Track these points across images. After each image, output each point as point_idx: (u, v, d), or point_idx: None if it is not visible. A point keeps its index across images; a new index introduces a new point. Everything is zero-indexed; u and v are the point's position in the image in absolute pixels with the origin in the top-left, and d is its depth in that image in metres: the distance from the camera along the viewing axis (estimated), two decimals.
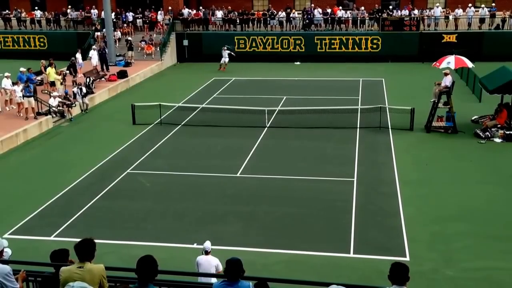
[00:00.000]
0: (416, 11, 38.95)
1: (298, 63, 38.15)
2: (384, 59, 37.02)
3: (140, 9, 42.41)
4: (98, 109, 27.13)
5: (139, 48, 38.20)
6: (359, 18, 39.08)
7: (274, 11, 40.70)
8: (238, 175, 17.67)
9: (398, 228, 13.73)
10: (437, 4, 39.23)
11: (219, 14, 40.74)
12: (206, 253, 10.15)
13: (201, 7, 42.11)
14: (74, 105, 25.27)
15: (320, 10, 40.16)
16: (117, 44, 38.22)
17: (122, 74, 32.04)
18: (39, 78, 28.67)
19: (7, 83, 24.30)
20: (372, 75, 33.12)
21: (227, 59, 35.95)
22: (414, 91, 27.97)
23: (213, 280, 8.70)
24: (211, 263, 9.97)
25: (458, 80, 28.10)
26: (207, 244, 10.21)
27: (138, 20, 41.66)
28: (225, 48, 36.26)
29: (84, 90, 26.28)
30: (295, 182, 16.97)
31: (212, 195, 16.11)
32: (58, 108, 24.27)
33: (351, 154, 19.23)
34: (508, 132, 20.40)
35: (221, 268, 9.81)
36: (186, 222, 14.42)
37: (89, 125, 24.16)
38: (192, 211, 15.05)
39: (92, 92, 27.95)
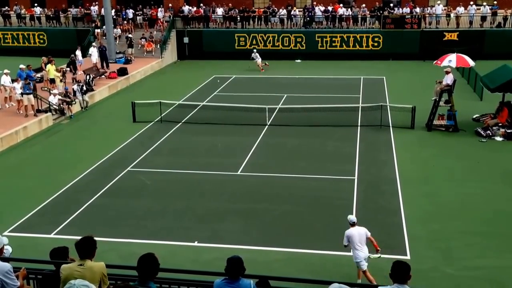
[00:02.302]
0: (417, 9, 38.87)
1: (299, 61, 38.10)
2: (385, 57, 36.97)
3: (140, 6, 42.32)
4: (98, 106, 27.09)
5: (139, 46, 38.14)
6: (360, 16, 39.00)
7: (275, 8, 40.65)
8: (238, 173, 17.64)
9: (399, 226, 13.71)
10: (439, 2, 39.13)
11: (220, 11, 40.66)
12: (353, 224, 10.80)
13: (201, 4, 42.06)
14: (74, 102, 25.23)
15: (321, 7, 40.11)
16: (117, 41, 38.13)
17: (122, 72, 31.98)
18: (38, 75, 28.59)
19: (6, 80, 24.23)
20: (373, 73, 33.07)
21: (259, 59, 35.34)
22: (415, 90, 27.92)
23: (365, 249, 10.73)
24: (361, 233, 10.78)
25: (459, 79, 28.05)
26: (353, 217, 11.00)
27: (138, 17, 41.57)
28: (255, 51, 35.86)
29: (84, 87, 26.23)
30: (296, 180, 16.92)
31: (212, 193, 16.07)
32: (58, 105, 24.23)
33: (352, 152, 19.19)
34: (509, 131, 20.35)
35: (369, 233, 10.87)
36: (187, 220, 14.39)
37: (89, 123, 24.12)
38: (192, 209, 15.02)
39: (92, 90, 27.90)
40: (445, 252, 12.50)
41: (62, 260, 6.70)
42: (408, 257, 12.11)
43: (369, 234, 10.98)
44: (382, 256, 12.04)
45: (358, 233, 10.80)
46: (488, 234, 13.29)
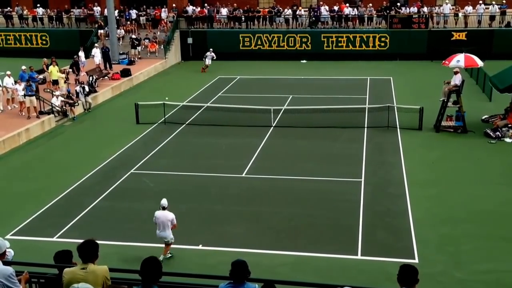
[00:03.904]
0: (425, 9, 38.54)
1: (304, 61, 37.89)
2: (392, 57, 36.71)
3: (144, 6, 42.20)
4: (101, 108, 26.96)
5: (143, 46, 38.02)
6: (366, 16, 38.75)
7: (280, 8, 40.46)
8: (243, 175, 17.46)
9: (407, 229, 13.53)
10: (446, 1, 38.83)
11: (224, 11, 40.51)
12: (163, 208, 12.10)
13: (205, 5, 41.91)
14: (76, 104, 25.08)
15: (327, 7, 39.89)
16: (120, 42, 38.05)
17: (126, 73, 31.83)
18: (41, 76, 28.51)
19: (8, 81, 24.12)
20: (380, 74, 32.84)
21: (209, 61, 35.12)
22: (423, 90, 27.69)
23: (169, 232, 12.04)
24: (167, 217, 12.02)
25: (468, 79, 27.84)
26: (164, 201, 12.21)
27: (141, 18, 41.42)
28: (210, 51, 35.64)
29: (87, 88, 26.06)
30: (302, 182, 16.75)
31: (217, 195, 15.91)
32: (61, 107, 24.09)
33: (359, 154, 18.98)
34: None
35: (175, 221, 12.10)
36: (190, 222, 14.18)
37: (92, 124, 23.99)
38: (196, 211, 14.86)
39: (95, 91, 27.76)
40: (454, 255, 12.32)
41: (66, 263, 6.66)
42: (416, 260, 11.93)
43: (174, 222, 12.07)
44: (388, 259, 11.87)
45: (164, 217, 11.98)
46: (498, 237, 13.10)
